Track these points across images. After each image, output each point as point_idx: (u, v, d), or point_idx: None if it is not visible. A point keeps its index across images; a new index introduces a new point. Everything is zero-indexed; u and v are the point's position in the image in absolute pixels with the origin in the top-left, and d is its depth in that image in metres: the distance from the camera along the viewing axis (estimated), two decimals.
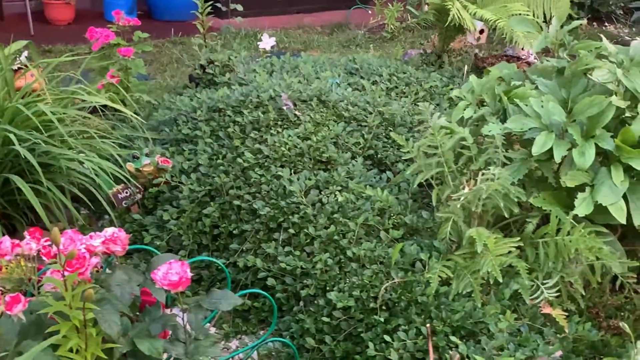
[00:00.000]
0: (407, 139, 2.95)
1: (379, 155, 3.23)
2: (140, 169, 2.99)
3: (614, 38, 7.09)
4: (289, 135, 3.06)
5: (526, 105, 2.76)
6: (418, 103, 3.68)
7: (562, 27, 3.21)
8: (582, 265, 2.55)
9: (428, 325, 2.28)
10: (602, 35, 2.94)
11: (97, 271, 1.95)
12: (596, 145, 2.57)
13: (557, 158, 2.56)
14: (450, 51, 4.99)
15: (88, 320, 1.75)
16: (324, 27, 6.83)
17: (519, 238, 2.51)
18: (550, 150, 2.58)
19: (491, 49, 5.19)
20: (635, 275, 2.66)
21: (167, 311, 2.05)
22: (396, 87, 3.92)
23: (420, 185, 2.93)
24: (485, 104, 3.01)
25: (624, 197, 2.55)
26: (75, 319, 1.73)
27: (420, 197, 3.06)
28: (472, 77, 3.03)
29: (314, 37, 6.38)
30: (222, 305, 1.99)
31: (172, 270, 1.90)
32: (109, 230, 1.98)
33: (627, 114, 2.64)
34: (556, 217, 2.53)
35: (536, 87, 2.94)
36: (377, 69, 4.01)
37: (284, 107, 3.20)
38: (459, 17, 4.20)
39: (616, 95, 2.67)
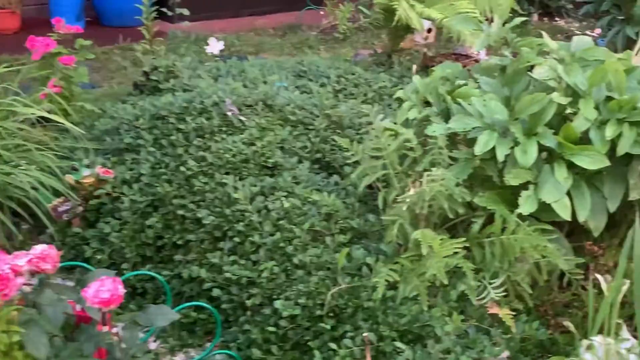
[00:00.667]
0: (355, 142, 2.93)
1: (326, 159, 3.20)
2: (80, 180, 2.92)
3: (565, 32, 7.17)
4: (234, 142, 3.00)
5: (469, 104, 2.75)
6: (366, 104, 3.67)
7: (505, 24, 3.21)
8: (528, 263, 2.54)
9: (365, 334, 2.24)
10: (543, 32, 2.94)
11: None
12: (539, 142, 2.57)
13: (500, 157, 2.55)
14: (400, 51, 4.98)
15: (14, 343, 1.69)
16: (277, 29, 6.77)
17: (464, 238, 2.50)
18: (494, 149, 2.57)
19: (440, 47, 5.20)
20: (583, 272, 2.66)
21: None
22: (344, 89, 3.89)
23: (369, 187, 2.90)
24: (430, 104, 2.99)
25: (568, 193, 2.56)
26: (1, 343, 1.66)
27: (369, 199, 3.02)
28: (416, 78, 3.01)
29: (266, 40, 6.32)
30: (158, 321, 1.93)
31: (103, 288, 1.84)
32: (39, 248, 1.91)
33: (569, 111, 2.63)
34: (501, 216, 2.52)
35: (480, 86, 2.93)
36: (325, 70, 3.98)
37: (229, 113, 3.15)
38: (405, 16, 4.18)
39: (557, 92, 2.67)
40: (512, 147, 2.58)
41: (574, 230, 2.80)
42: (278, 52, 6.07)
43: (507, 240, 2.48)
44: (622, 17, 5.39)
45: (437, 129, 2.71)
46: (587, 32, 7.33)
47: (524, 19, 3.18)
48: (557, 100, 2.59)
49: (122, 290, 1.84)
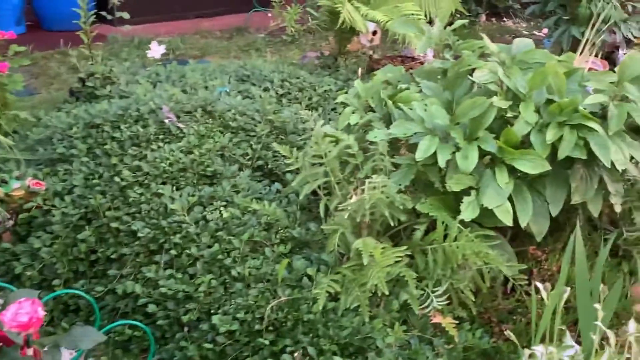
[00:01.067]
0: (297, 148, 2.86)
1: (269, 166, 3.12)
2: (10, 193, 2.78)
3: (513, 33, 7.22)
4: (171, 150, 2.91)
5: (410, 109, 2.70)
6: (310, 109, 3.60)
7: (447, 26, 3.18)
8: (471, 270, 2.50)
9: (296, 353, 2.18)
10: (483, 35, 2.91)
11: None
12: (480, 147, 2.53)
13: (441, 162, 2.51)
14: (347, 53, 4.92)
15: None
16: (224, 31, 6.67)
17: (406, 247, 2.45)
18: (435, 154, 2.53)
19: (388, 49, 5.16)
20: (527, 277, 2.64)
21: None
22: (288, 93, 3.82)
23: (313, 194, 2.83)
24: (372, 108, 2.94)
25: (510, 198, 2.53)
26: None
27: (312, 207, 2.95)
28: (357, 82, 2.96)
29: (212, 43, 6.22)
30: (83, 343, 1.83)
31: (22, 311, 1.73)
32: None
33: (510, 114, 2.61)
34: (443, 222, 2.48)
35: (422, 90, 2.89)
36: (269, 74, 3.90)
37: (166, 120, 3.05)
38: (349, 19, 4.13)
39: (498, 96, 2.64)
40: (453, 153, 2.53)
41: (517, 235, 2.77)
42: (224, 55, 5.97)
43: (449, 247, 2.43)
44: (567, 17, 5.42)
45: (378, 135, 2.66)
46: (535, 32, 7.41)
47: (466, 20, 3.14)
48: (497, 104, 2.56)
49: (41, 312, 1.74)
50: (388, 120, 2.82)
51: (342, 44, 4.88)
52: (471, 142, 2.55)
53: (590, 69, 4.83)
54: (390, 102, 2.80)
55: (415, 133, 2.62)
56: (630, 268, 2.92)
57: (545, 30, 6.30)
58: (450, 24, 3.20)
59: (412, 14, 4.29)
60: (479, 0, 7.24)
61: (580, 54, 5.63)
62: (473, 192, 2.52)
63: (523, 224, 2.52)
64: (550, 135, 2.52)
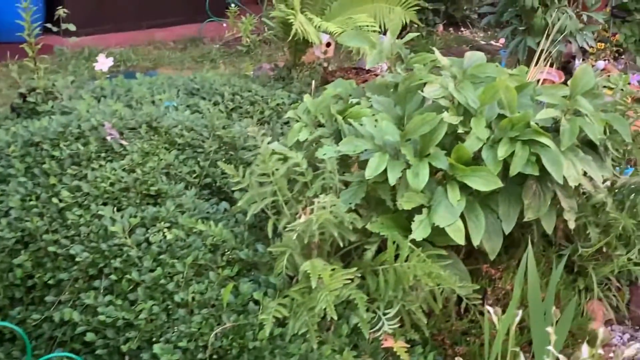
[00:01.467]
0: (248, 164, 2.76)
1: (217, 184, 3.02)
2: None
3: (470, 43, 7.23)
4: (113, 169, 2.79)
5: (361, 125, 2.62)
6: (262, 123, 3.52)
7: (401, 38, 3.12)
8: (423, 291, 2.43)
9: None
10: (434, 48, 2.86)
11: None
12: (431, 164, 2.47)
13: (392, 180, 2.43)
14: (302, 65, 4.84)
15: None
16: (177, 42, 6.54)
17: (357, 268, 2.37)
18: (386, 172, 2.46)
19: (343, 61, 5.10)
20: (481, 297, 2.58)
21: None
22: (240, 107, 3.72)
23: (265, 212, 2.73)
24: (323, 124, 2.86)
25: (463, 216, 2.46)
26: None
27: (263, 226, 2.85)
28: (307, 97, 2.88)
29: (165, 54, 6.09)
30: None
31: None
32: None
33: (461, 130, 2.55)
34: (394, 242, 2.40)
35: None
36: (220, 88, 3.79)
37: (108, 137, 2.93)
38: (302, 30, 4.05)
39: (449, 111, 2.58)
40: (404, 170, 2.47)
41: (471, 253, 2.72)
42: (177, 66, 5.86)
43: (401, 268, 2.36)
44: (523, 28, 5.42)
45: (327, 152, 2.57)
46: (492, 42, 7.43)
47: (417, 33, 3.09)
48: (448, 120, 2.50)
49: None
50: (338, 136, 2.74)
51: (296, 56, 4.80)
52: (422, 159, 2.48)
53: (545, 79, 4.84)
54: (340, 118, 2.72)
55: (365, 150, 2.55)
56: (585, 284, 2.89)
57: (502, 41, 6.31)
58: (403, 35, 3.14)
59: (366, 26, 4.23)
60: (436, 10, 7.23)
61: (536, 64, 5.65)
62: (425, 211, 2.46)
63: (476, 243, 2.46)
64: (502, 151, 2.47)
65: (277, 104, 3.86)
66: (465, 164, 2.49)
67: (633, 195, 3.06)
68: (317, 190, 2.57)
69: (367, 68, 4.45)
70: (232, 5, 6.43)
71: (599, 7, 6.61)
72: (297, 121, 2.84)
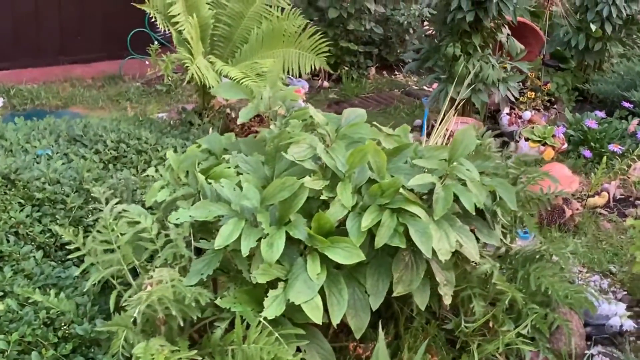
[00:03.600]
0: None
1: (75, 245, 2.75)
2: None
3: (402, 87, 7.10)
4: None
5: (222, 186, 2.40)
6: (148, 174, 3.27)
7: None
8: None
9: None
10: (309, 105, 2.66)
11: None
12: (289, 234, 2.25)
13: (245, 250, 2.20)
14: (211, 109, 4.63)
15: None
16: (97, 79, 6.28)
17: (195, 351, 2.12)
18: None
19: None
20: None
21: None
22: (124, 156, 3.47)
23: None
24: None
25: (324, 291, 2.24)
26: None
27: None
28: (170, 153, 2.65)
29: (79, 92, 5.81)
30: None
31: None
32: None
33: (325, 196, 2.34)
34: (243, 320, 2.17)
35: None
36: (105, 134, 3.54)
37: None
38: (199, 75, 3.84)
39: (316, 174, 2.38)
40: (260, 239, 2.24)
41: (344, 328, 2.49)
42: (90, 105, 5.60)
43: (249, 350, 2.12)
44: (445, 76, 5.29)
45: (180, 216, 2.34)
46: (425, 86, 7.30)
47: (292, 88, 2.89)
48: (309, 185, 2.29)
49: None
50: (204, 197, 2.51)
51: (204, 100, 4.58)
52: (280, 228, 2.26)
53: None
54: (201, 178, 2.49)
55: (222, 216, 2.32)
56: None
57: (435, 85, 6.19)
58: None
59: (270, 72, 4.03)
60: (368, 53, 7.09)
61: (455, 113, 5.52)
62: (281, 285, 2.23)
63: (335, 321, 2.23)
64: (367, 221, 2.26)
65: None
66: (328, 233, 2.28)
67: (528, 264, 2.87)
68: (167, 258, 2.34)
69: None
70: (155, 42, 6.19)
71: (532, 55, 6.55)
72: (158, 179, 2.60)
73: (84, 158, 3.28)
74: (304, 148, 2.43)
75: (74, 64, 6.53)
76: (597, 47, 6.09)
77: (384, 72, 7.45)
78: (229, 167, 2.55)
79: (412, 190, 2.43)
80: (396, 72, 7.51)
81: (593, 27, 5.94)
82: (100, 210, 2.87)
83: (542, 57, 6.54)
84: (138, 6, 4.29)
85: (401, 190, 2.34)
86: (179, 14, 4.11)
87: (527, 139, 5.18)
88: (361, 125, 2.55)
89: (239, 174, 2.52)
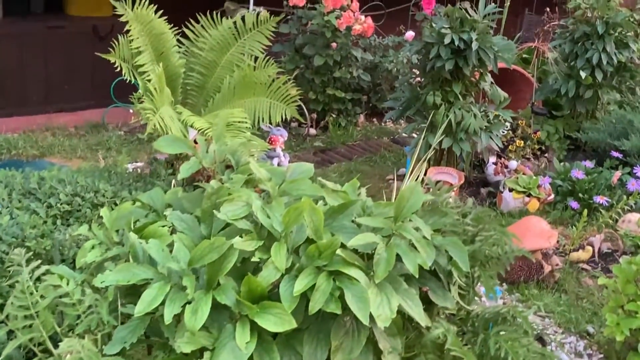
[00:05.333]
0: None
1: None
2: None
3: (391, 134, 6.98)
4: None
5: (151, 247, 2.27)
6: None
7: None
8: None
9: None
10: (252, 156, 2.54)
11: None
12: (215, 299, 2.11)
13: (168, 317, 2.07)
14: (184, 159, 4.50)
15: None
16: (79, 127, 6.19)
17: None
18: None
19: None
20: None
21: None
22: (77, 211, 3.34)
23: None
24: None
25: None
26: None
27: None
28: (104, 211, 2.52)
29: (59, 141, 5.72)
30: None
31: None
32: None
33: (257, 258, 2.19)
34: None
35: None
36: (59, 187, 3.42)
37: None
38: (161, 126, 3.74)
39: (250, 234, 2.24)
40: (185, 305, 2.10)
41: None
42: (68, 155, 5.51)
43: None
44: (425, 125, 5.17)
45: (105, 279, 2.20)
46: (415, 134, 7.18)
47: (243, 140, 2.78)
48: (239, 246, 2.15)
49: None
50: (135, 258, 2.38)
51: None
52: (207, 293, 2.12)
53: (444, 181, 4.54)
54: (133, 237, 2.36)
55: (149, 279, 2.19)
56: None
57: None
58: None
59: (239, 122, 3.94)
60: (357, 100, 6.99)
61: (438, 163, 5.39)
62: (207, 354, 2.08)
63: None
64: (300, 285, 2.11)
65: None
66: (260, 297, 2.14)
67: (490, 326, 2.69)
68: (92, 323, 2.19)
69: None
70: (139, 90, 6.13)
71: (524, 102, 6.42)
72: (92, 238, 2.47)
73: (35, 213, 3.16)
74: (239, 206, 2.29)
75: (60, 112, 6.46)
76: (588, 95, 5.93)
77: (374, 120, 7.33)
78: (164, 226, 2.42)
79: (355, 250, 2.29)
80: (386, 120, 7.40)
81: (583, 74, 5.80)
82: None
83: (531, 104, 6.41)
84: (103, 56, 4.21)
85: (340, 251, 2.20)
86: (145, 64, 4.03)
87: (511, 190, 5.03)
88: (303, 181, 2.42)
89: (173, 232, 2.39)
